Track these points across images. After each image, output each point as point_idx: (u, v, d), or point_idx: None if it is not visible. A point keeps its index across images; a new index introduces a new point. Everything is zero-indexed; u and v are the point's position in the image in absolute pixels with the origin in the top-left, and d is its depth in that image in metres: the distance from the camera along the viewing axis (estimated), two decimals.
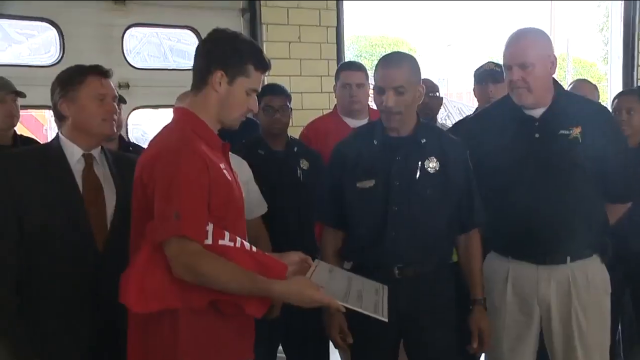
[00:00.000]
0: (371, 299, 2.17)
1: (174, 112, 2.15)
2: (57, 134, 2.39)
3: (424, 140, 2.55)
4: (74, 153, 2.33)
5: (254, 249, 2.06)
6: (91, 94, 2.32)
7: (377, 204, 2.51)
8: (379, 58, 2.60)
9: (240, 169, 2.87)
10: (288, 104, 3.29)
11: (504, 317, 2.70)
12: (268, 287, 1.94)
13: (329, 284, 2.13)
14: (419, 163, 2.52)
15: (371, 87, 3.64)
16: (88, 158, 2.35)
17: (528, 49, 2.56)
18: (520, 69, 2.56)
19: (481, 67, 3.78)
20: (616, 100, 3.72)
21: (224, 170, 2.07)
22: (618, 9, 6.06)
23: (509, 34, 2.65)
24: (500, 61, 2.72)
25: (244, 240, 2.04)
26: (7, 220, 2.19)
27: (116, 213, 2.34)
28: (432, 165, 2.53)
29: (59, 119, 2.37)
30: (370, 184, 2.53)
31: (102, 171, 2.39)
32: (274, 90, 3.32)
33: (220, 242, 1.96)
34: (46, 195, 2.24)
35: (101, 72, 2.38)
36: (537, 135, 2.62)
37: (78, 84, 2.32)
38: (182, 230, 1.88)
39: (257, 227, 2.89)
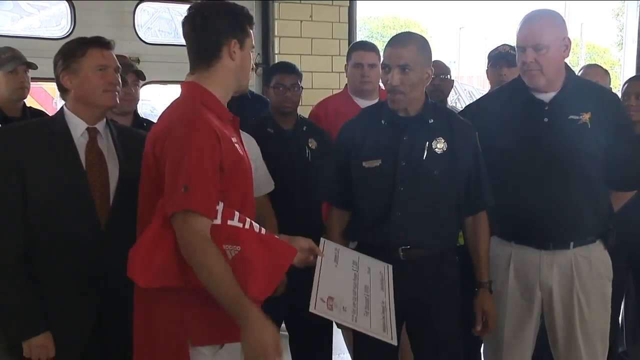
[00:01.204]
0: (378, 309, 2.21)
1: (181, 86, 2.13)
2: (62, 107, 2.38)
3: (432, 121, 2.54)
4: (78, 126, 2.32)
5: (263, 231, 2.02)
6: (92, 65, 2.31)
7: (383, 183, 2.51)
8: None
9: (248, 146, 2.86)
10: (299, 82, 3.28)
11: (506, 302, 2.71)
12: (246, 312, 1.85)
13: (337, 282, 2.14)
14: (427, 143, 2.51)
15: None
16: (92, 132, 2.35)
17: (543, 30, 2.53)
18: (533, 50, 2.53)
19: (496, 49, 3.74)
20: (626, 85, 3.70)
21: (236, 145, 2.06)
22: None
23: (523, 16, 2.63)
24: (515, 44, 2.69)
25: (253, 222, 2.00)
26: (12, 194, 2.20)
27: (119, 188, 2.33)
28: (440, 145, 2.51)
29: (62, 91, 2.37)
30: (376, 164, 2.53)
31: (106, 145, 2.38)
32: (285, 69, 3.31)
33: (230, 222, 1.92)
34: (49, 169, 2.24)
35: (102, 44, 2.36)
36: (546, 120, 2.60)
37: (80, 56, 2.31)
38: (191, 204, 1.84)
39: (263, 205, 2.89)
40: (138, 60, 4.43)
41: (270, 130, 3.21)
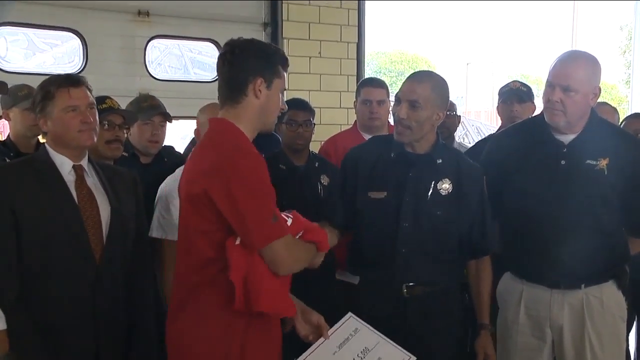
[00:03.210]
0: None
1: (210, 121, 2.12)
2: (44, 145, 2.35)
3: (440, 161, 2.54)
4: (64, 164, 2.30)
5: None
6: (62, 107, 2.28)
7: (388, 216, 2.50)
8: (397, 74, 2.60)
9: None
10: (311, 119, 3.30)
11: (516, 339, 2.68)
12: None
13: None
14: (432, 183, 2.52)
15: (392, 103, 3.64)
16: (79, 169, 2.33)
17: (577, 73, 2.50)
18: (562, 90, 2.50)
19: (507, 85, 3.77)
20: (624, 123, 3.70)
21: None
22: None
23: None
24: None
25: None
26: (5, 234, 2.17)
27: (112, 223, 2.32)
28: (445, 186, 2.52)
29: (42, 133, 2.38)
30: (381, 195, 2.53)
31: (93, 181, 2.37)
32: (299, 105, 3.33)
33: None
34: (43, 207, 2.22)
35: (70, 83, 2.31)
36: (563, 162, 2.58)
37: (50, 99, 2.28)
38: (286, 230, 2.00)
39: None
40: None
41: (282, 167, 3.22)
